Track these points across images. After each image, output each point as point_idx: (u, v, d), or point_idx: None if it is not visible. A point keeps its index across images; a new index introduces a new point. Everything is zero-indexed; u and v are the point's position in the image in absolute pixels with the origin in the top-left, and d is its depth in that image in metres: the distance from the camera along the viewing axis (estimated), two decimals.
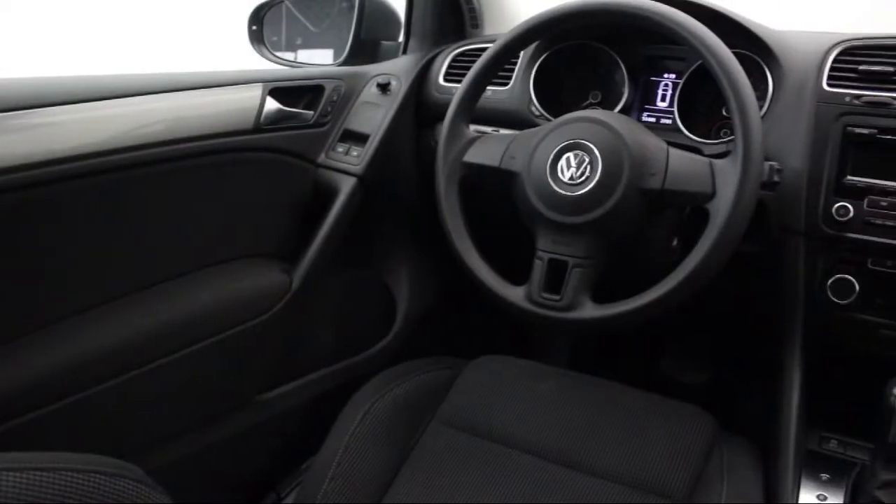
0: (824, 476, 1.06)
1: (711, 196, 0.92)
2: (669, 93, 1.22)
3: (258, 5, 1.54)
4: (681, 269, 0.92)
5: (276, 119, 1.22)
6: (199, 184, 1.13)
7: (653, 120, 1.23)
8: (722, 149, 1.10)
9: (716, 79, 0.93)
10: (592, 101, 1.29)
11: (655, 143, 0.98)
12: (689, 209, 1.04)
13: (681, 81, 1.19)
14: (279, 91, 1.23)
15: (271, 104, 1.21)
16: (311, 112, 1.30)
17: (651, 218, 0.99)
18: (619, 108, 1.22)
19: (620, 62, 1.24)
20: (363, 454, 1.06)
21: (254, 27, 1.54)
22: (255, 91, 1.20)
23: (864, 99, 1.03)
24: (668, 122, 1.20)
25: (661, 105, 1.23)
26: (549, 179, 0.98)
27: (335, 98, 1.33)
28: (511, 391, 1.16)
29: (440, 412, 1.14)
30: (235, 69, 1.23)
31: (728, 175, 0.91)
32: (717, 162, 0.94)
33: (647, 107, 1.24)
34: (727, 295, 1.27)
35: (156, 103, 1.07)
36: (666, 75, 1.24)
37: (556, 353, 1.70)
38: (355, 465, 1.04)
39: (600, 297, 0.98)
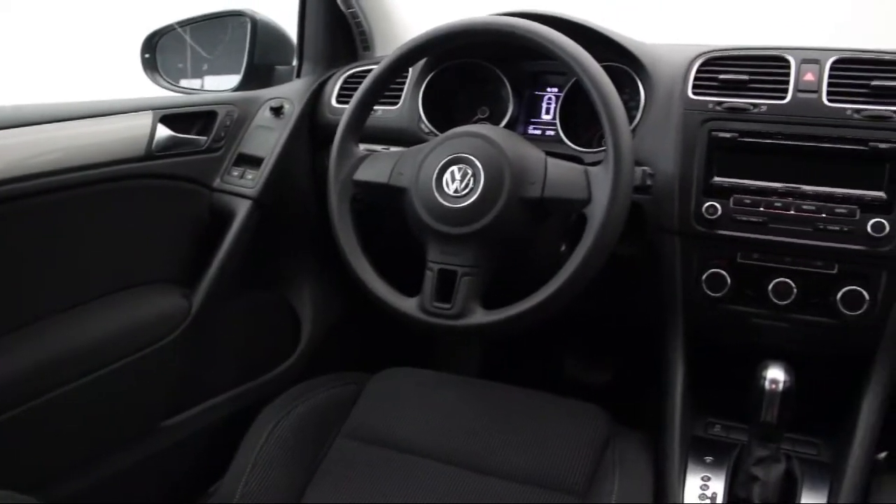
0: (708, 459, 1.12)
1: (588, 201, 0.97)
2: (553, 106, 1.28)
3: (150, 33, 1.54)
4: (562, 272, 0.97)
5: (169, 146, 1.23)
6: (94, 212, 1.13)
7: (538, 132, 1.29)
8: (602, 157, 1.15)
9: (586, 91, 0.99)
10: (481, 116, 1.34)
11: (534, 154, 1.03)
12: (575, 215, 1.09)
13: (562, 95, 1.25)
14: (171, 118, 1.24)
15: (163, 131, 1.22)
16: (205, 137, 1.31)
17: (535, 225, 1.03)
18: (504, 122, 1.27)
19: (505, 79, 1.29)
20: (270, 473, 1.07)
21: (146, 55, 1.55)
22: (146, 119, 1.21)
23: (725, 105, 1.11)
24: (552, 133, 1.26)
25: (546, 118, 1.29)
26: (436, 193, 1.02)
27: (228, 123, 1.35)
28: (414, 401, 1.19)
29: (346, 426, 1.16)
30: (125, 97, 1.23)
31: (602, 181, 0.97)
32: (592, 169, 0.99)
33: (532, 120, 1.30)
34: (617, 296, 1.33)
35: (48, 133, 1.07)
36: (549, 89, 1.30)
37: (464, 362, 1.74)
38: (263, 484, 1.05)
39: (497, 304, 1.02)
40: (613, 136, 0.97)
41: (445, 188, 1.02)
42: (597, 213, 0.96)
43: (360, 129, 1.14)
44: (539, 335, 1.67)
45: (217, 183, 1.34)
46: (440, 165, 1.03)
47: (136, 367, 1.15)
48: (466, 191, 1.00)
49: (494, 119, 1.31)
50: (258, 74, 1.52)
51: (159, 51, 1.55)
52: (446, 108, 1.34)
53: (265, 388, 1.37)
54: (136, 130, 1.19)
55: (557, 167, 1.01)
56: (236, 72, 1.52)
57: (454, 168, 1.02)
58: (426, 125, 1.30)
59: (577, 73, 1.00)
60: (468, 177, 1.01)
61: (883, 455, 1.42)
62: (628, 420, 1.17)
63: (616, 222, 0.96)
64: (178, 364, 1.22)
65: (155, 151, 1.21)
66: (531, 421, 1.13)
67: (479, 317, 1.00)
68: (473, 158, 1.01)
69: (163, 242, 1.25)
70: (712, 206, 1.09)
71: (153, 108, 1.22)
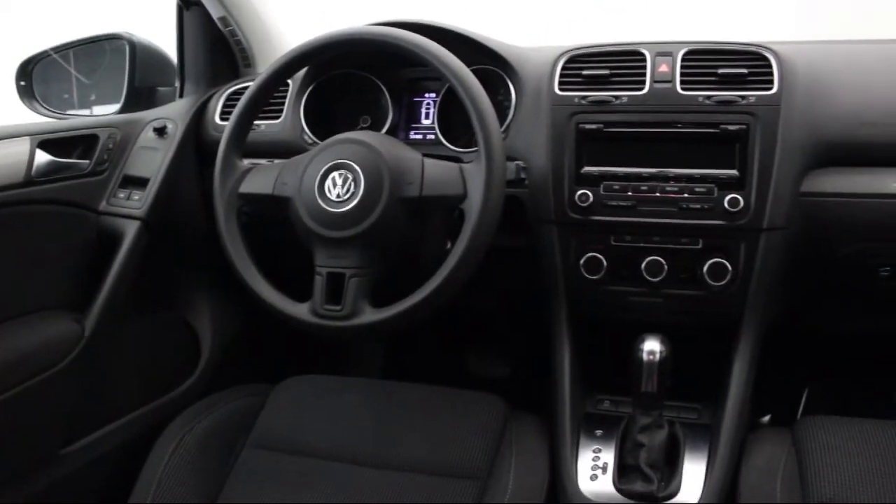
0: (599, 432, 1.18)
1: (464, 197, 1.02)
2: (431, 110, 1.33)
3: (24, 60, 1.52)
4: (444, 266, 1.01)
5: (49, 171, 1.22)
6: None
7: (419, 137, 1.33)
8: None
9: (455, 92, 1.04)
10: (363, 125, 1.37)
11: (411, 156, 1.07)
12: (457, 213, 1.14)
13: (439, 99, 1.30)
14: (49, 143, 1.23)
15: (42, 157, 1.21)
16: (87, 161, 1.30)
17: (418, 224, 1.07)
18: (385, 129, 1.31)
19: (383, 87, 1.33)
20: (176, 489, 1.07)
21: (22, 83, 1.52)
22: (23, 145, 1.19)
23: (589, 99, 1.17)
24: (433, 137, 1.31)
25: (426, 122, 1.34)
26: (319, 199, 1.05)
27: (111, 146, 1.34)
28: (318, 407, 1.21)
29: (251, 437, 1.17)
30: None
31: (475, 177, 1.02)
32: (466, 166, 1.04)
33: (413, 126, 1.34)
34: (505, 287, 1.39)
35: None
36: (427, 95, 1.35)
37: (367, 365, 1.77)
38: (169, 502, 1.06)
39: (391, 303, 1.04)
40: (483, 133, 1.02)
41: (328, 194, 1.05)
42: (473, 207, 1.01)
43: (243, 142, 1.15)
44: (440, 333, 1.71)
45: (103, 206, 1.33)
46: (321, 172, 1.06)
47: (28, 396, 1.13)
48: (348, 195, 1.03)
49: (376, 127, 1.35)
50: (140, 97, 1.52)
51: (42, 81, 1.53)
52: (328, 120, 1.37)
53: (168, 408, 1.37)
54: (13, 157, 1.17)
55: (434, 167, 1.06)
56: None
57: (335, 174, 1.05)
58: (309, 136, 1.32)
59: (447, 77, 1.04)
60: (349, 181, 1.04)
61: (766, 418, 1.52)
62: (529, 406, 1.22)
63: (491, 215, 1.01)
64: (73, 389, 1.21)
65: (35, 177, 1.19)
66: (432, 414, 1.17)
67: (369, 316, 1.03)
68: (353, 164, 1.04)
69: (50, 268, 1.24)
70: (584, 194, 1.16)
71: (30, 134, 1.21)
